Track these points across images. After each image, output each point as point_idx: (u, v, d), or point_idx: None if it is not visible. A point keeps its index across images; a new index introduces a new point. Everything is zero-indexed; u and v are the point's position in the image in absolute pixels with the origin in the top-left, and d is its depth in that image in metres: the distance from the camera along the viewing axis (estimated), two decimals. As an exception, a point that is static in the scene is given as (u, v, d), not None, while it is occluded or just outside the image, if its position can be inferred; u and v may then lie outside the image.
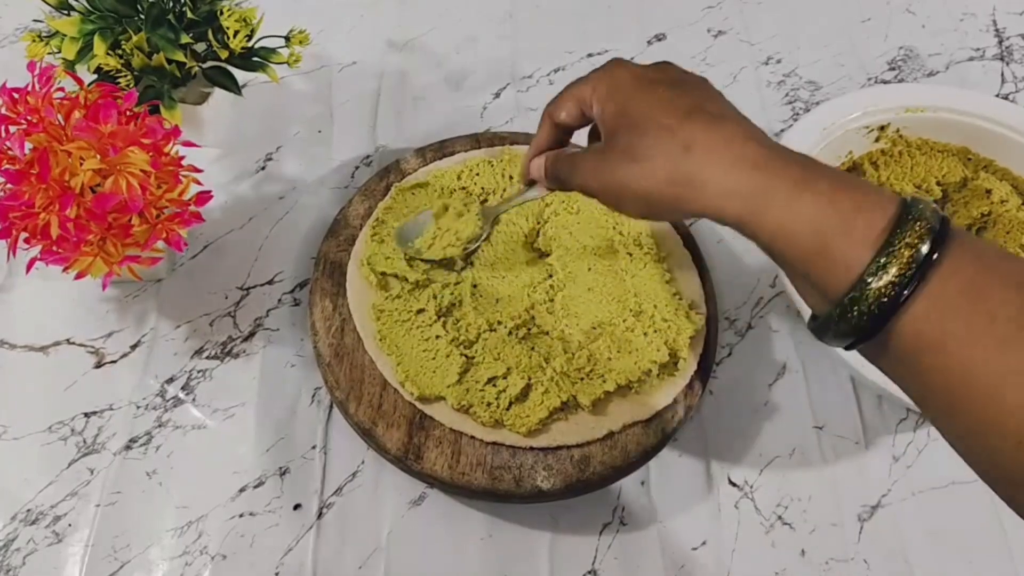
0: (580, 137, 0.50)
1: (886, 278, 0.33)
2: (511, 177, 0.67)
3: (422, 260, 0.62)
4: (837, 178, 0.36)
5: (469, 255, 0.62)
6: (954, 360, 0.33)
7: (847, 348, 0.37)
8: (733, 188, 0.37)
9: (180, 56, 0.60)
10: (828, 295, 0.35)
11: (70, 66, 0.58)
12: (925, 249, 0.33)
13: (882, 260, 0.33)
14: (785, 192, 0.36)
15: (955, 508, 0.61)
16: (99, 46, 0.58)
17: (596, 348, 0.59)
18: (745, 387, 0.65)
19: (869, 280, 0.33)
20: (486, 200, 0.66)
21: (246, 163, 0.72)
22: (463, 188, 0.66)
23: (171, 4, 0.62)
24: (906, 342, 0.34)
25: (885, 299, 0.33)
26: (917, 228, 0.33)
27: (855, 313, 0.34)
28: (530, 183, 0.53)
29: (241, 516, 0.57)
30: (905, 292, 0.33)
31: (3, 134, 0.51)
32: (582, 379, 0.58)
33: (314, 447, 0.59)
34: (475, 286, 0.61)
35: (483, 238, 0.62)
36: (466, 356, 0.58)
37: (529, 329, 0.60)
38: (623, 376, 0.58)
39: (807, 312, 0.58)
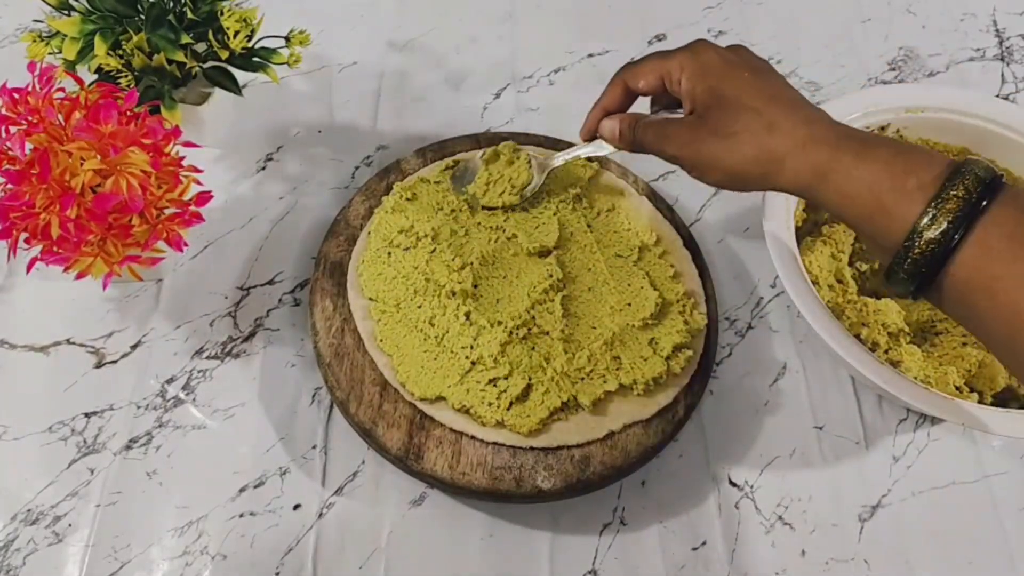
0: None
1: (935, 227, 0.37)
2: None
3: (481, 207, 0.64)
4: (895, 147, 0.41)
5: (524, 203, 0.64)
6: (1002, 302, 0.36)
7: (913, 297, 0.40)
8: (806, 163, 0.43)
9: (180, 56, 0.60)
10: (887, 248, 0.40)
11: (70, 66, 0.58)
12: (972, 199, 0.37)
13: (931, 211, 0.37)
14: (848, 162, 0.41)
15: (955, 508, 0.61)
16: (99, 46, 0.58)
17: (596, 348, 0.59)
18: (745, 387, 0.65)
19: (920, 230, 0.38)
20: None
21: (246, 163, 0.72)
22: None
23: (171, 4, 0.62)
24: (959, 287, 0.38)
25: (935, 246, 0.37)
26: (966, 182, 0.37)
27: (909, 261, 0.38)
28: (591, 139, 0.57)
29: (241, 516, 0.57)
30: (955, 238, 0.37)
31: (3, 134, 0.51)
32: (582, 379, 0.58)
33: (314, 447, 0.59)
34: (475, 286, 0.61)
35: (536, 186, 0.63)
36: (467, 357, 0.58)
37: (530, 329, 0.60)
38: (623, 376, 0.58)
39: (807, 312, 0.58)
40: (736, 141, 0.45)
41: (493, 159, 0.64)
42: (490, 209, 0.64)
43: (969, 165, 0.38)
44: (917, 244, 0.38)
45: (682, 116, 0.50)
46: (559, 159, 0.62)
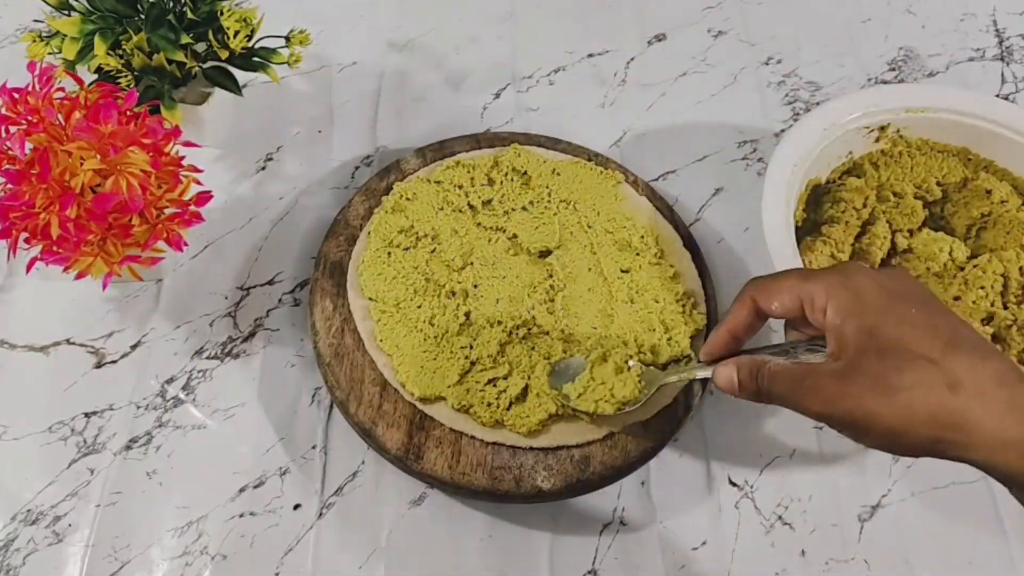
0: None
1: None
2: (514, 172, 0.67)
3: (569, 407, 0.56)
4: None
5: (620, 415, 0.56)
6: None
7: None
8: (1012, 438, 0.34)
9: (180, 56, 0.60)
10: None
11: (70, 66, 0.58)
12: None
13: None
14: None
15: (955, 508, 0.61)
16: (99, 46, 0.58)
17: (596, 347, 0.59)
18: (745, 387, 0.65)
19: None
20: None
21: (246, 163, 0.72)
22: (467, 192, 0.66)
23: (171, 4, 0.62)
24: None
25: None
26: None
27: None
28: (709, 360, 0.48)
29: (241, 516, 0.57)
30: None
31: (3, 134, 0.51)
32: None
33: (314, 447, 0.59)
34: (475, 286, 0.61)
35: (640, 404, 0.55)
36: (467, 357, 0.58)
37: (529, 329, 0.60)
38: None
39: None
40: (905, 399, 0.36)
41: (599, 362, 0.56)
42: (584, 413, 0.56)
43: None
44: None
45: (819, 357, 0.41)
46: (671, 377, 0.53)
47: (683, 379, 0.53)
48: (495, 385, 0.57)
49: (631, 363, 0.56)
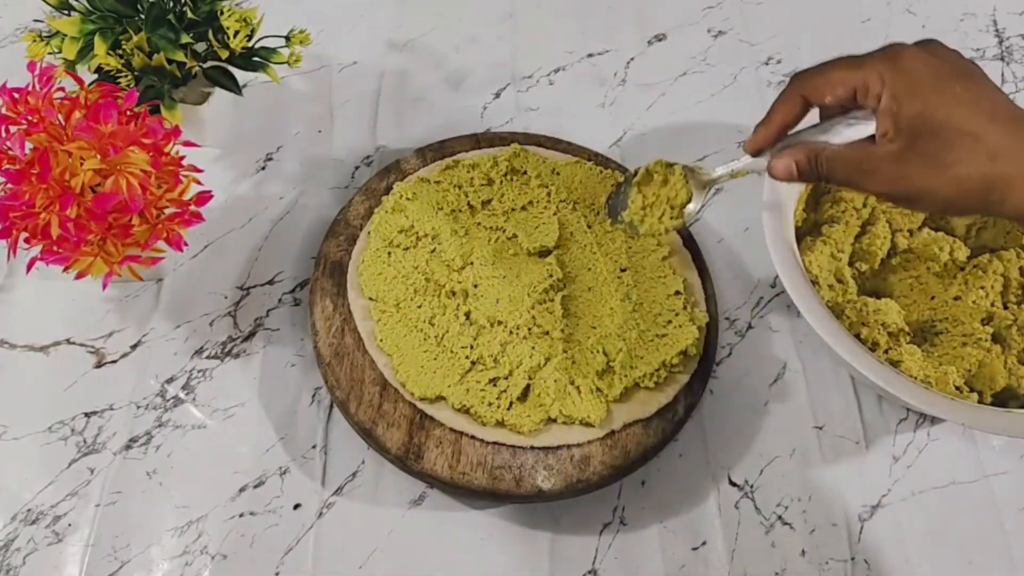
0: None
1: None
2: (514, 172, 0.67)
3: (636, 234, 0.56)
4: None
5: (689, 226, 0.56)
6: None
7: None
8: None
9: (180, 56, 0.60)
10: None
11: (70, 66, 0.58)
12: None
13: None
14: None
15: (955, 508, 0.61)
16: (99, 46, 0.58)
17: (596, 347, 0.59)
18: (745, 387, 0.65)
19: None
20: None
21: (246, 163, 0.72)
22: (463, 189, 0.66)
23: (171, 4, 0.62)
24: None
25: None
26: None
27: None
28: (756, 154, 0.49)
29: (241, 516, 0.57)
30: None
31: (3, 134, 0.51)
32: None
33: (314, 447, 0.59)
34: (475, 286, 0.61)
35: (700, 206, 0.54)
36: (467, 357, 0.58)
37: (530, 329, 0.60)
38: (624, 377, 0.58)
39: (807, 312, 0.58)
40: (954, 173, 0.41)
41: (646, 180, 0.56)
42: (640, 235, 0.57)
43: None
44: None
45: (863, 135, 0.45)
46: (719, 170, 0.53)
47: (735, 173, 0.52)
48: (495, 385, 0.57)
49: (674, 168, 0.55)
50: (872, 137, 0.44)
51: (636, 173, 0.56)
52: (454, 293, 0.60)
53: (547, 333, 0.60)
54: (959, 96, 0.41)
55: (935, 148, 0.41)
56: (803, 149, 0.46)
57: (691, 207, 0.54)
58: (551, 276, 0.62)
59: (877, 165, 0.43)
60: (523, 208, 0.66)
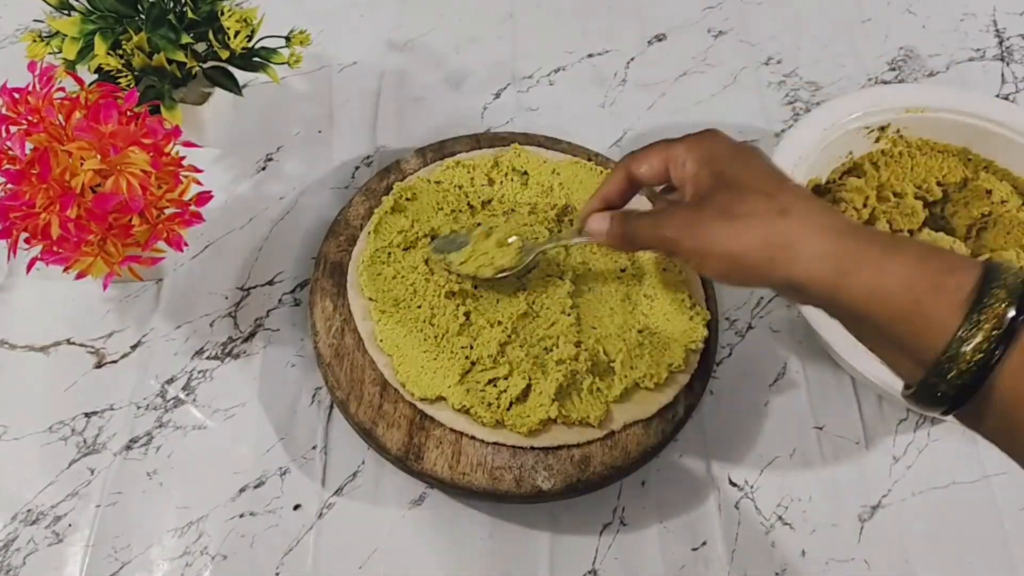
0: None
1: (975, 341, 0.34)
2: (514, 172, 0.67)
3: (450, 271, 0.61)
4: (923, 245, 0.38)
5: (495, 279, 0.60)
6: None
7: (944, 414, 0.37)
8: (827, 251, 0.39)
9: (181, 56, 0.60)
10: (921, 358, 0.36)
11: (71, 66, 0.58)
12: (1011, 312, 0.34)
13: (971, 322, 0.34)
14: (876, 253, 0.38)
15: (955, 508, 0.61)
16: (100, 46, 0.58)
17: (596, 347, 0.59)
18: (745, 387, 0.65)
19: (960, 344, 0.34)
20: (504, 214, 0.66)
21: (246, 163, 0.72)
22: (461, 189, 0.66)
23: (172, 4, 0.62)
24: (1002, 399, 0.35)
25: (979, 360, 0.34)
26: (1002, 291, 0.34)
27: (951, 376, 0.35)
28: (582, 227, 0.52)
29: (241, 516, 0.57)
30: (996, 353, 0.34)
31: (4, 134, 0.51)
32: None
33: (314, 447, 0.59)
34: (475, 286, 0.61)
35: (516, 271, 0.59)
36: (467, 357, 0.58)
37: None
38: (625, 376, 0.58)
39: (807, 312, 0.58)
40: (742, 224, 0.41)
41: (483, 237, 0.61)
42: (458, 275, 0.61)
43: (1003, 269, 0.35)
44: (957, 358, 0.34)
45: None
46: (548, 246, 0.59)
47: (559, 245, 0.59)
48: (495, 385, 0.57)
49: (511, 240, 0.60)
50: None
51: (475, 229, 0.61)
52: (454, 293, 0.60)
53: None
54: (755, 165, 0.44)
55: (729, 200, 0.42)
56: (618, 213, 0.49)
57: (509, 270, 0.59)
58: (550, 276, 0.62)
59: (674, 213, 0.45)
60: (523, 208, 0.66)
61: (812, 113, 0.69)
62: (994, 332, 0.34)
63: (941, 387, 0.35)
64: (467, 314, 0.60)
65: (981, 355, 0.34)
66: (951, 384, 0.35)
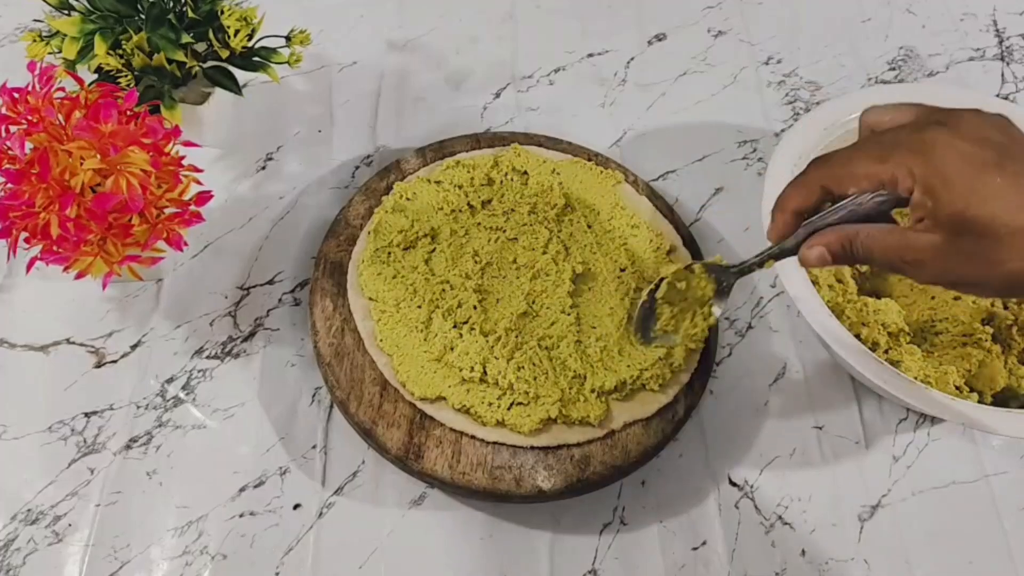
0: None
1: None
2: (514, 172, 0.67)
3: (676, 343, 0.57)
4: None
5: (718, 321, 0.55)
6: None
7: None
8: None
9: (180, 56, 0.60)
10: None
11: (71, 66, 0.58)
12: None
13: None
14: None
15: (955, 508, 0.61)
16: (100, 46, 0.57)
17: (597, 346, 0.59)
18: (745, 387, 0.65)
19: None
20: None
21: (246, 163, 0.72)
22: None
23: (172, 4, 0.62)
24: None
25: None
26: None
27: None
28: (778, 242, 0.46)
29: (241, 516, 0.57)
30: None
31: (3, 134, 0.51)
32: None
33: (314, 447, 0.59)
34: (476, 290, 0.61)
35: (726, 296, 0.52)
36: (467, 357, 0.58)
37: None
38: (624, 374, 0.58)
39: (807, 312, 0.58)
40: (1006, 269, 0.38)
41: (670, 294, 0.54)
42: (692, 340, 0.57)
43: None
44: None
45: (884, 208, 0.43)
46: (746, 266, 0.49)
47: (752, 263, 0.49)
48: (496, 385, 0.57)
49: (687, 273, 0.53)
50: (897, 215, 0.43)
51: (658, 287, 0.55)
52: (453, 289, 0.60)
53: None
54: (999, 188, 0.38)
55: (981, 248, 0.38)
56: (835, 235, 0.43)
57: (717, 310, 0.53)
58: (550, 276, 0.62)
59: (920, 258, 0.40)
60: (523, 208, 0.66)
61: (812, 113, 0.69)
62: None
63: None
64: (468, 315, 0.59)
65: None
66: None
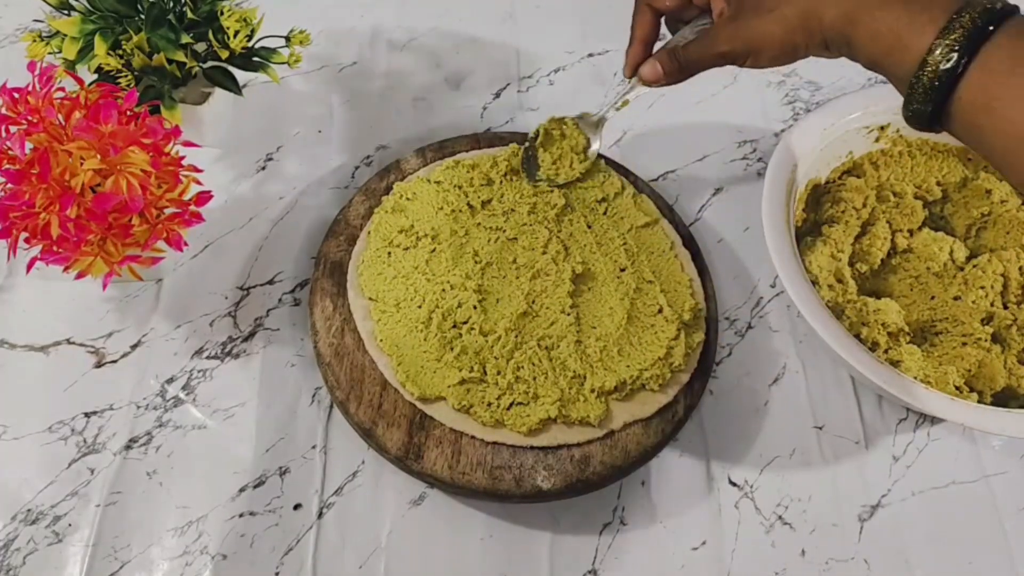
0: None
1: (943, 54, 0.41)
2: (514, 172, 0.67)
3: (558, 186, 0.65)
4: None
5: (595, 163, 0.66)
6: (999, 119, 0.40)
7: (930, 128, 0.44)
8: (839, 12, 0.46)
9: (180, 56, 0.60)
10: (904, 79, 0.43)
11: (71, 66, 0.58)
12: (977, 27, 0.40)
13: (940, 41, 0.41)
14: (873, 5, 0.45)
15: (955, 508, 0.61)
16: (100, 46, 0.58)
17: (597, 346, 0.59)
18: (745, 387, 0.65)
19: (929, 58, 0.41)
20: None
21: (246, 163, 0.72)
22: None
23: (171, 4, 0.62)
24: (965, 109, 0.41)
25: (944, 72, 0.41)
26: (973, 12, 0.40)
27: (920, 88, 0.42)
28: (632, 74, 0.58)
29: (241, 516, 0.57)
30: (961, 63, 0.40)
31: (3, 134, 0.51)
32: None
33: (314, 447, 0.59)
34: (476, 290, 0.61)
35: (597, 146, 0.65)
36: (467, 357, 0.58)
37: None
38: (624, 374, 0.58)
39: (807, 312, 0.58)
40: (779, 13, 0.48)
41: (547, 140, 0.65)
42: (562, 186, 0.65)
43: (969, 5, 0.41)
44: (926, 71, 0.41)
45: (709, 24, 0.53)
46: (606, 111, 0.64)
47: (617, 104, 0.62)
48: (496, 385, 0.57)
49: (564, 124, 0.65)
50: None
51: (537, 135, 0.65)
52: (454, 288, 0.60)
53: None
54: None
55: (760, 1, 0.49)
56: (663, 51, 0.55)
57: (593, 148, 0.65)
58: (551, 276, 0.62)
59: (718, 31, 0.51)
60: (523, 208, 0.66)
61: (812, 113, 0.69)
62: (956, 50, 0.40)
63: (915, 102, 0.43)
64: (468, 315, 0.60)
65: (945, 70, 0.40)
66: (920, 98, 0.42)
